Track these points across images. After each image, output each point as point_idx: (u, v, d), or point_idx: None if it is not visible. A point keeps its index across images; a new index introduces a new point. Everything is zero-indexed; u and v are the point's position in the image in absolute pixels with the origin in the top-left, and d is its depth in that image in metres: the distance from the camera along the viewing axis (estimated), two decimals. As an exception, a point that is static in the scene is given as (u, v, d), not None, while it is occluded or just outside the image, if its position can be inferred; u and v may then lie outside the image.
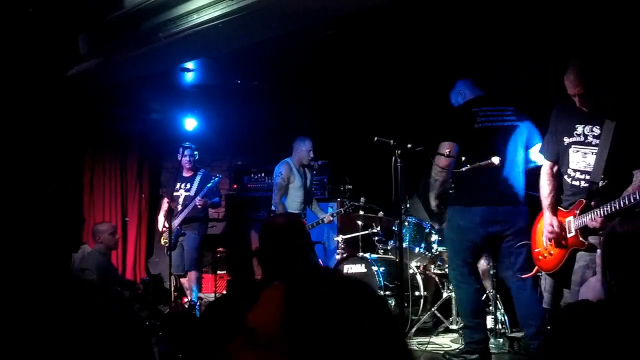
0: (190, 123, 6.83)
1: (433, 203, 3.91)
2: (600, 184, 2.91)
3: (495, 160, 3.97)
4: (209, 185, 5.83)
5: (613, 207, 2.76)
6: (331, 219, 5.46)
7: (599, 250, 1.95)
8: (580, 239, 2.95)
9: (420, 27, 4.54)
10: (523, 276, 3.50)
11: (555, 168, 3.23)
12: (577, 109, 3.04)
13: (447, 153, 3.58)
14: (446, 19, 4.36)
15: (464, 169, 4.56)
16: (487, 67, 5.05)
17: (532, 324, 3.54)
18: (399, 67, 5.26)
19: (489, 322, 4.37)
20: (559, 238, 3.08)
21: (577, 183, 3.06)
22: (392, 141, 3.39)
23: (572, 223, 3.01)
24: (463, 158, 3.73)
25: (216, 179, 5.90)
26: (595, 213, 2.86)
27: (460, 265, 3.77)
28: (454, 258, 3.85)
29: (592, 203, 2.93)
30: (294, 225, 2.10)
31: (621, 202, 2.73)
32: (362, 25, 4.53)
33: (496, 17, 4.31)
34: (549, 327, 4.12)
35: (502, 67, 4.99)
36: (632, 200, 2.68)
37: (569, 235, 3.03)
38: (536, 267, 3.33)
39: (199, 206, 5.79)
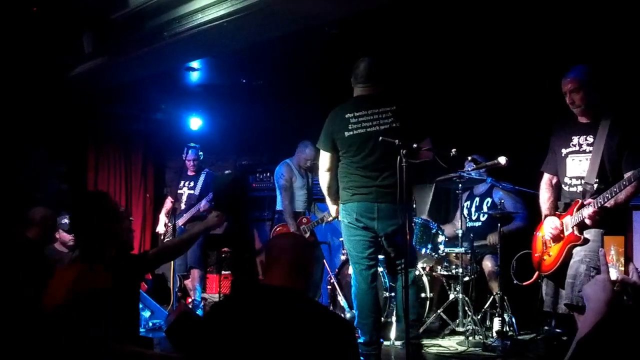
0: (195, 122, 6.82)
1: (332, 209, 3.92)
2: (595, 186, 3.10)
3: (502, 160, 3.93)
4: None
5: (605, 198, 3.00)
6: (330, 219, 5.47)
7: (601, 250, 1.93)
8: (576, 233, 3.15)
9: (425, 25, 4.51)
10: (524, 283, 3.46)
11: (554, 180, 3.43)
12: (572, 123, 3.29)
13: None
14: (450, 17, 4.33)
15: (469, 169, 4.54)
16: (489, 67, 5.02)
17: (414, 311, 3.65)
18: (402, 65, 5.22)
19: (496, 324, 4.32)
20: (559, 237, 3.26)
21: (574, 189, 3.26)
22: (397, 141, 3.36)
23: (570, 221, 3.21)
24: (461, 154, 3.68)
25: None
26: (590, 206, 3.08)
27: (355, 262, 3.69)
28: (349, 254, 3.78)
29: (586, 201, 3.12)
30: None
31: (612, 191, 2.98)
32: (367, 25, 4.50)
33: (500, 19, 4.28)
34: (557, 330, 4.08)
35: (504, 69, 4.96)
36: (622, 187, 2.95)
37: (566, 233, 3.22)
38: (536, 274, 3.37)
39: (202, 210, 5.80)
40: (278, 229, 5.68)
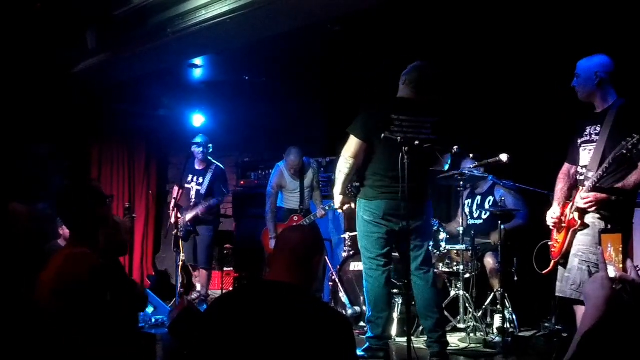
0: (198, 119, 6.83)
1: (337, 200, 3.83)
2: (599, 174, 3.10)
3: (503, 157, 3.95)
4: (209, 203, 5.79)
5: (593, 181, 3.07)
6: (323, 213, 5.57)
7: (600, 247, 1.93)
8: (576, 219, 3.18)
9: (426, 24, 4.51)
10: (543, 272, 3.44)
11: (573, 170, 3.43)
12: (589, 113, 3.30)
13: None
14: (450, 16, 4.33)
15: (471, 166, 4.55)
16: (489, 66, 5.01)
17: (431, 316, 3.67)
18: (406, 62, 5.22)
19: (497, 321, 4.34)
20: (560, 224, 3.30)
21: (581, 178, 3.27)
22: (399, 137, 3.37)
23: (571, 207, 3.25)
24: (472, 155, 3.72)
25: (215, 200, 5.83)
26: (582, 191, 3.13)
27: (371, 258, 3.71)
28: (365, 250, 3.75)
29: (582, 186, 3.17)
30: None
31: (597, 175, 3.06)
32: (369, 21, 4.50)
33: (499, 18, 4.28)
34: (558, 327, 4.09)
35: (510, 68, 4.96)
36: (602, 173, 3.05)
37: (568, 219, 3.25)
38: (552, 262, 3.37)
39: (200, 215, 5.77)
40: (265, 230, 5.85)
